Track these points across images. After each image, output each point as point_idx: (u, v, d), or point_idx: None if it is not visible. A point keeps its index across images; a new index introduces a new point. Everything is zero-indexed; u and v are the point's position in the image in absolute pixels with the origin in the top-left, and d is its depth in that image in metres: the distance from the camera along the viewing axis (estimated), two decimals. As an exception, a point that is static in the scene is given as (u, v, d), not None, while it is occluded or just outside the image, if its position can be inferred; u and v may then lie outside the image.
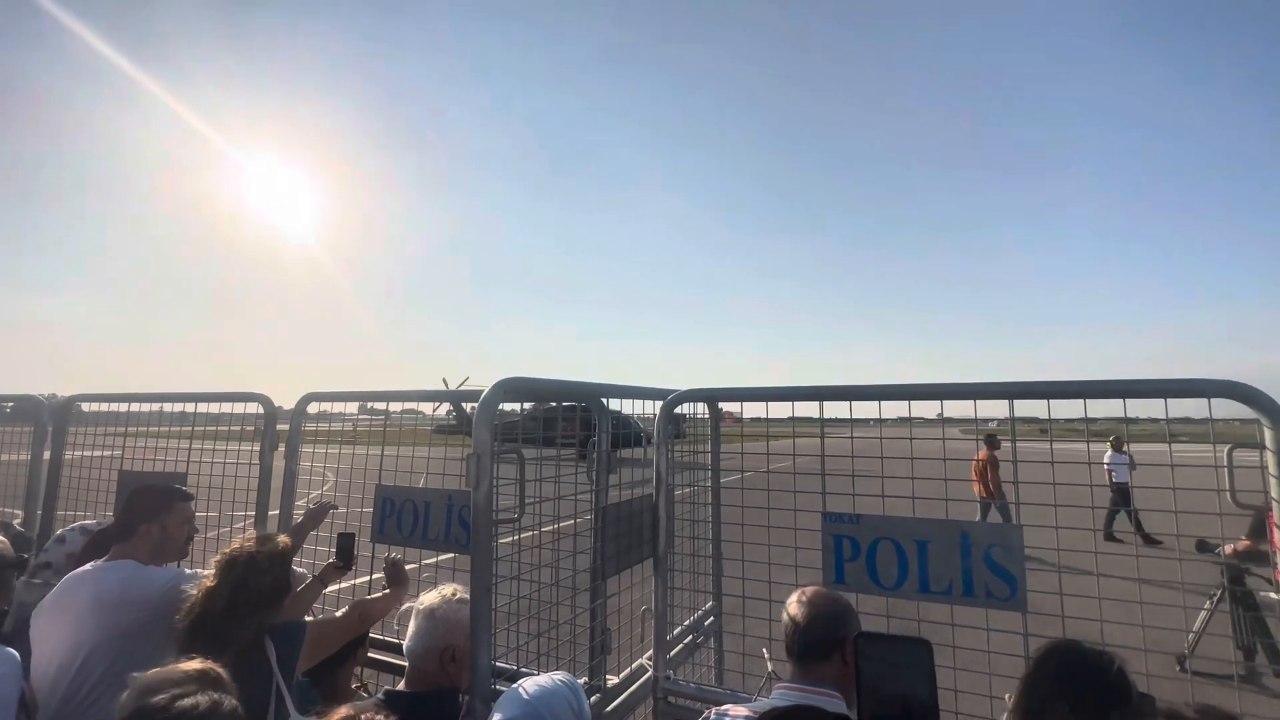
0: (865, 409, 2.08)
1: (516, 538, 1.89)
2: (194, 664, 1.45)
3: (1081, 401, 1.82)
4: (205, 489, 3.15)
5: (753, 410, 2.33)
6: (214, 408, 3.43)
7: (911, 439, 2.00)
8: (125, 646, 2.00)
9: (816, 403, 2.15)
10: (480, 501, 1.63)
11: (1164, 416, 1.75)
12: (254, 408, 3.16)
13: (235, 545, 2.05)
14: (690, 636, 2.60)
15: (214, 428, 3.47)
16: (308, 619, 2.19)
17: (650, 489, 2.38)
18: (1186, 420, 1.76)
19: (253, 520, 2.95)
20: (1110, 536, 9.04)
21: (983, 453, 9.62)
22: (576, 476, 2.24)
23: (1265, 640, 4.93)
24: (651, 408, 2.53)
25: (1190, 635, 4.95)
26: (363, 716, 1.26)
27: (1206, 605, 5.23)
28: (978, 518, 9.31)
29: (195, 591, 1.95)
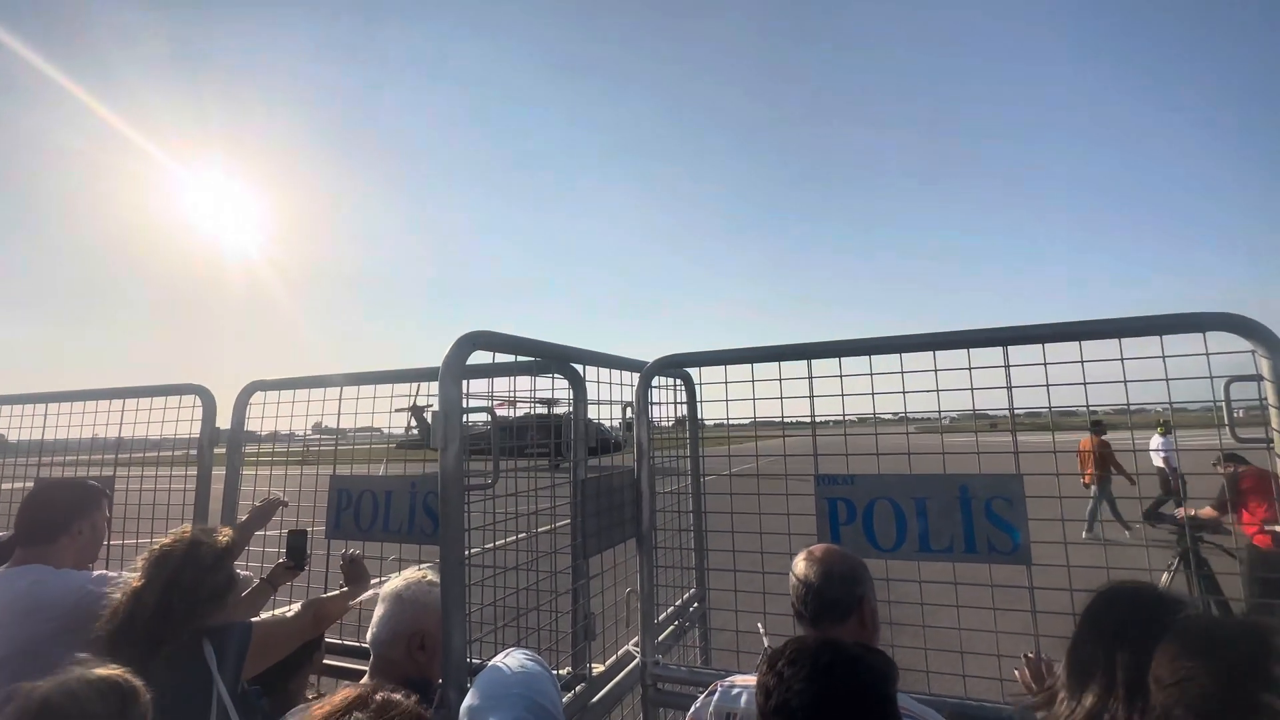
0: (856, 365, 1.98)
1: (490, 510, 1.71)
2: (103, 671, 1.25)
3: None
4: (135, 493, 2.86)
5: (736, 376, 2.19)
6: (141, 430, 3.05)
7: (905, 393, 1.92)
8: (37, 660, 1.73)
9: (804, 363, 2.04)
10: (450, 465, 1.46)
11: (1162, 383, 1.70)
12: (188, 422, 2.86)
13: (167, 540, 1.82)
14: (678, 620, 2.46)
15: (140, 455, 3.12)
16: (254, 620, 1.96)
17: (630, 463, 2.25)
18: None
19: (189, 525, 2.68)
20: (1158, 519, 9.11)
21: (1086, 440, 9.76)
22: (553, 451, 2.08)
23: (1218, 601, 5.10)
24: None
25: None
26: (377, 695, 1.09)
27: (1167, 573, 5.40)
28: (1089, 506, 9.51)
29: (118, 594, 1.71)
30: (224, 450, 2.83)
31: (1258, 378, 1.58)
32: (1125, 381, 1.70)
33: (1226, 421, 1.64)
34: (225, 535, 1.92)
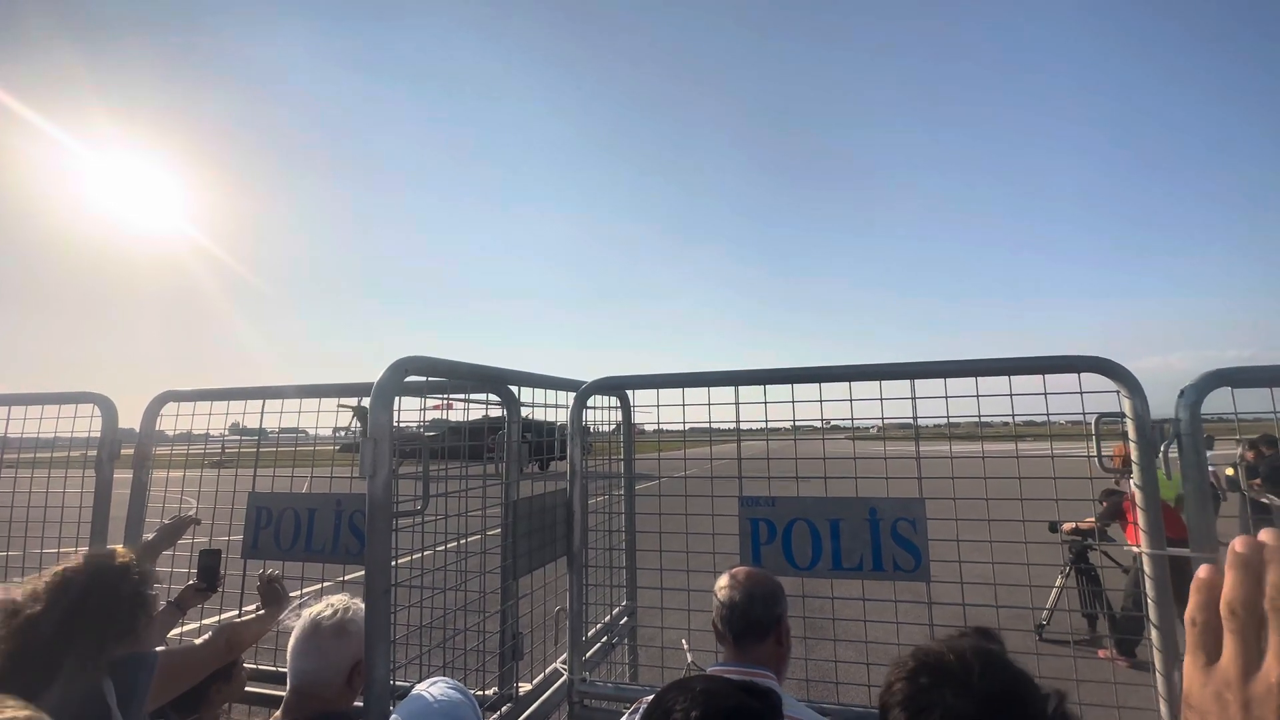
0: (779, 394, 2.10)
1: (419, 532, 1.71)
2: (13, 710, 1.17)
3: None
4: (24, 509, 2.64)
5: (667, 400, 2.28)
6: (31, 431, 2.76)
7: (823, 420, 2.05)
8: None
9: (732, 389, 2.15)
10: (377, 492, 1.45)
11: (1036, 399, 1.91)
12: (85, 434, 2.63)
13: (68, 564, 1.70)
14: (605, 637, 2.50)
15: (32, 454, 2.85)
16: (159, 649, 1.86)
17: (563, 484, 2.28)
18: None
19: (87, 546, 2.49)
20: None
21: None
22: (485, 469, 2.08)
23: (1106, 611, 5.61)
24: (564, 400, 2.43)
25: (1045, 609, 5.55)
26: None
27: (1058, 581, 5.88)
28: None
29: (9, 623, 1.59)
30: (130, 456, 2.65)
31: (1121, 415, 1.80)
32: (1013, 415, 1.91)
33: (1096, 453, 1.86)
34: (128, 557, 1.81)
